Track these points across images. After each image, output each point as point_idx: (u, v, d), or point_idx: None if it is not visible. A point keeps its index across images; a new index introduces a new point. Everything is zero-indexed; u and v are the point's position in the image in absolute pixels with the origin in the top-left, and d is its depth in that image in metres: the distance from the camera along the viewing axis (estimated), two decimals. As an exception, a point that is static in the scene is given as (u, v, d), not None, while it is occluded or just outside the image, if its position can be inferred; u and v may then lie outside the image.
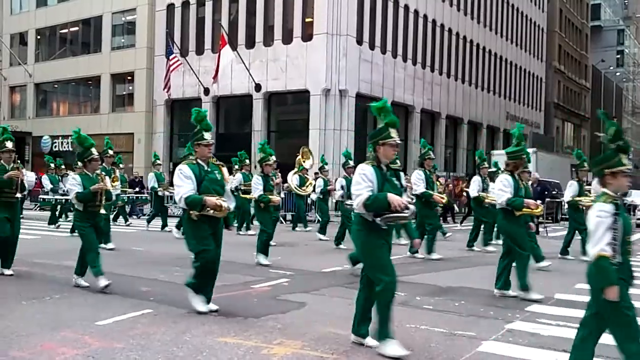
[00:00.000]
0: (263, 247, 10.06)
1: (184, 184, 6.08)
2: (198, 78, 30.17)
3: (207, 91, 30.69)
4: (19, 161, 8.86)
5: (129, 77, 35.47)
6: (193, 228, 6.20)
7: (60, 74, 38.05)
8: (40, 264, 9.45)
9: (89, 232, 7.44)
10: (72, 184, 7.52)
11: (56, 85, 40.10)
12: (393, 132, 5.07)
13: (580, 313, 6.58)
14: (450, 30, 35.84)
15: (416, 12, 32.74)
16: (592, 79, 64.16)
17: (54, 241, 13.02)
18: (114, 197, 9.35)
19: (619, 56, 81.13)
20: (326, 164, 17.12)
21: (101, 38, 36.38)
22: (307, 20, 28.25)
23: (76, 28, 38.48)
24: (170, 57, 28.90)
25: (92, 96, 37.88)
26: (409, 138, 32.38)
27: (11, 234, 8.32)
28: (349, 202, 12.79)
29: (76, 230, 7.86)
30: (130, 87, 35.68)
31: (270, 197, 9.99)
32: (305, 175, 16.65)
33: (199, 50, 31.39)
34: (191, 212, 6.09)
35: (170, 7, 32.53)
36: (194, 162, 6.25)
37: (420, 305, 7.06)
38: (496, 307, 6.95)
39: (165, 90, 29.72)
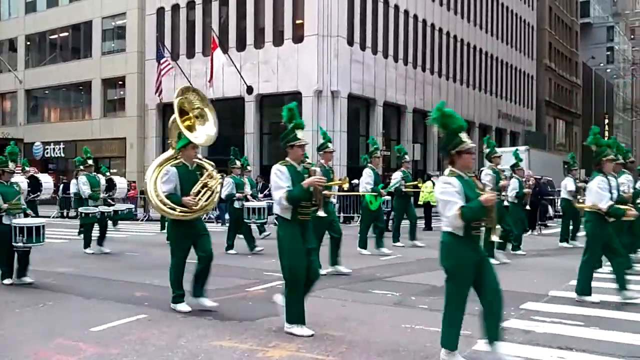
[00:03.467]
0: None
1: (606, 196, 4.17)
2: (189, 81, 30.03)
3: (198, 94, 30.62)
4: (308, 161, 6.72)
5: (120, 82, 35.36)
6: None
7: (50, 80, 37.87)
8: (34, 271, 9.39)
9: None
10: (451, 192, 4.67)
11: (47, 91, 39.90)
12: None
13: (575, 310, 6.64)
14: (440, 30, 35.90)
15: (406, 12, 32.78)
16: (583, 75, 64.41)
17: (46, 248, 12.93)
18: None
19: (609, 53, 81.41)
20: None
21: (91, 43, 36.24)
22: (297, 21, 28.23)
23: (66, 33, 38.32)
24: (162, 61, 28.84)
25: (83, 101, 37.73)
26: (401, 138, 32.39)
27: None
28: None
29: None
30: (122, 92, 35.56)
31: None
32: None
33: (190, 54, 31.33)
34: None
35: (160, 11, 32.45)
36: (603, 172, 4.33)
37: (416, 305, 7.06)
38: (491, 306, 6.95)
39: (157, 94, 29.65)
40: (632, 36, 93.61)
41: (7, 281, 8.29)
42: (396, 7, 31.89)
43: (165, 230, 16.22)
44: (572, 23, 62.53)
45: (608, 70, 74.03)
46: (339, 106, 27.72)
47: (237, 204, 12.24)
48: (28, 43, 40.18)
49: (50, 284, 8.26)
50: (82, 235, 12.80)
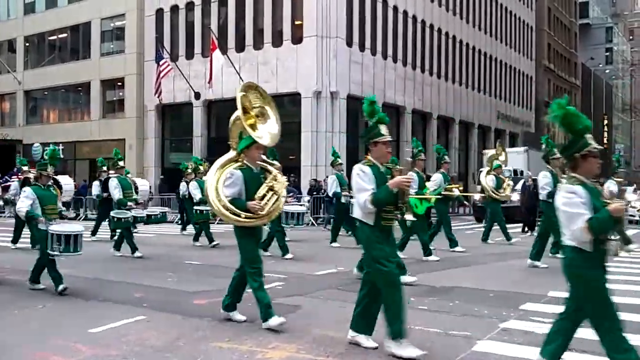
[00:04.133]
0: None
1: None
2: (188, 83, 30.10)
3: (197, 95, 30.62)
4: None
5: (119, 83, 35.34)
6: None
7: (49, 81, 37.85)
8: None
9: None
10: (576, 203, 4.02)
11: (46, 92, 39.88)
12: None
13: (574, 310, 6.62)
14: (439, 31, 35.92)
15: (405, 13, 32.79)
16: (582, 76, 64.47)
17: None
18: None
19: (608, 54, 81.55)
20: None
21: (90, 44, 36.22)
22: (296, 22, 28.23)
23: (65, 35, 38.29)
24: (161, 62, 28.83)
25: (83, 102, 37.71)
26: (400, 139, 32.38)
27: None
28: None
29: None
30: (121, 93, 35.54)
31: None
32: (501, 175, 14.27)
33: (189, 55, 31.33)
34: None
35: (160, 12, 32.45)
36: None
37: (415, 306, 7.05)
38: (490, 307, 6.96)
39: (157, 95, 29.64)
40: (630, 37, 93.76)
41: (60, 287, 7.69)
42: (395, 8, 31.90)
43: (184, 232, 16.11)
44: (571, 24, 62.57)
45: (607, 71, 74.10)
46: (338, 107, 27.73)
47: None
48: (27, 44, 40.16)
49: (49, 285, 8.23)
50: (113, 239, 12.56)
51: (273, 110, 6.21)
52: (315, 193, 22.38)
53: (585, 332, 5.74)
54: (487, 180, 13.82)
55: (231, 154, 6.33)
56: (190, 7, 31.41)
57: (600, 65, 70.32)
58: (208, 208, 12.56)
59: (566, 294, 7.59)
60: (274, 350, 5.15)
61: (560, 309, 6.69)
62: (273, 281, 8.58)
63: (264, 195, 5.96)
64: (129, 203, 11.74)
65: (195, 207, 13.38)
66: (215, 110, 31.70)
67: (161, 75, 28.76)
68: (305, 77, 27.33)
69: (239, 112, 5.97)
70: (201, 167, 14.17)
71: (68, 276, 9.18)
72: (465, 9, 38.69)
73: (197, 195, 13.39)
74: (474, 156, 39.53)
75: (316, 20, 27.21)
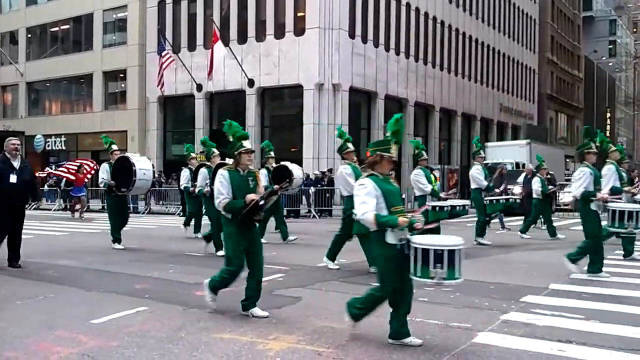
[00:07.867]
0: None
1: None
2: (190, 74, 30.08)
3: (199, 87, 30.61)
4: None
5: (121, 75, 35.35)
6: None
7: (51, 73, 37.88)
8: (34, 263, 9.41)
9: None
10: None
11: (48, 84, 39.93)
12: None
13: (575, 303, 6.64)
14: (442, 23, 35.80)
15: (408, 5, 32.68)
16: (585, 69, 64.22)
17: (48, 240, 12.96)
18: None
19: (611, 46, 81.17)
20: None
21: (92, 36, 36.23)
22: (299, 14, 28.18)
23: (67, 26, 38.30)
24: (163, 54, 28.82)
25: (85, 94, 37.75)
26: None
27: None
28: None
29: None
30: (123, 85, 35.57)
31: None
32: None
33: (191, 47, 31.29)
34: None
35: (162, 4, 32.39)
36: None
37: (416, 298, 7.02)
38: (491, 299, 6.96)
39: (159, 87, 29.63)
40: (634, 30, 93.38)
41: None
42: (398, 0, 31.79)
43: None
44: (575, 16, 62.30)
45: (610, 64, 73.82)
46: (340, 99, 27.69)
47: None
48: (29, 35, 40.17)
49: (51, 276, 8.26)
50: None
51: None
52: (319, 185, 22.34)
53: (590, 326, 5.75)
54: None
55: None
56: (192, -2, 31.37)
57: (604, 58, 70.03)
58: (501, 197, 12.59)
59: (568, 287, 7.61)
60: (274, 341, 5.17)
61: (561, 301, 6.72)
62: (274, 273, 8.59)
63: None
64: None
65: (488, 198, 12.25)
66: (217, 102, 31.71)
67: (163, 66, 28.77)
68: (308, 69, 27.29)
69: None
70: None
71: (70, 267, 9.24)
72: (469, 1, 38.56)
73: (483, 181, 11.89)
74: (476, 149, 39.49)
75: (319, 11, 27.15)
